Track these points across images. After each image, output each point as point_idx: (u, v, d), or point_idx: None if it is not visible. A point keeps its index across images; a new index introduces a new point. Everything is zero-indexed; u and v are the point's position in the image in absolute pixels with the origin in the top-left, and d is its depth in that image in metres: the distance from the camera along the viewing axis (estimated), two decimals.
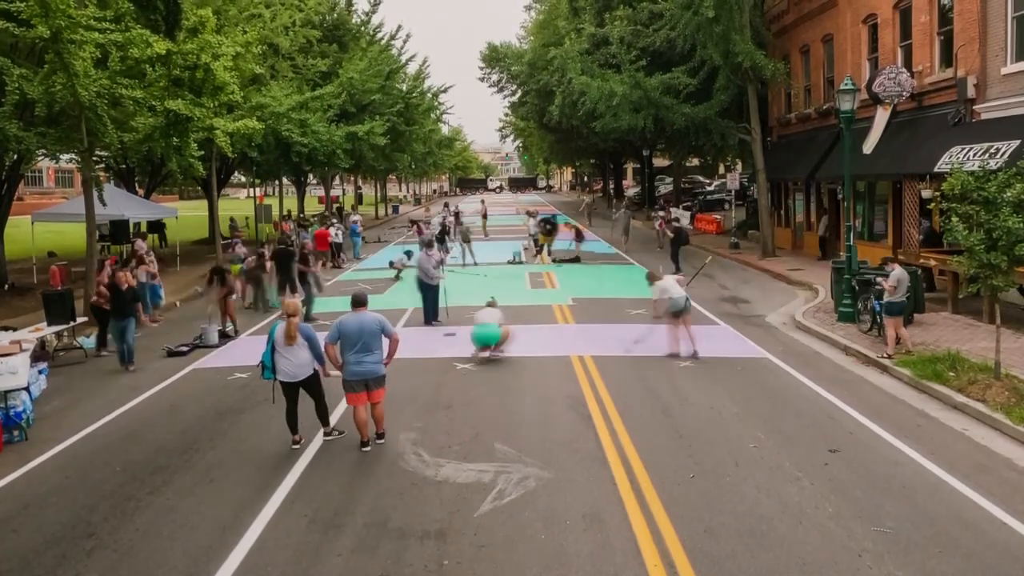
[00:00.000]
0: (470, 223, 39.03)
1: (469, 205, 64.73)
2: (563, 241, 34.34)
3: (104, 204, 22.73)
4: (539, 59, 60.50)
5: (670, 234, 30.81)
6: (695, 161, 75.63)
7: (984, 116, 20.52)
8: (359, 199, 66.96)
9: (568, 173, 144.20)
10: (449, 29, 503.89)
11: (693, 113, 34.05)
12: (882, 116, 23.78)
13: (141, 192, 40.91)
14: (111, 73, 19.76)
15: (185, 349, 17.94)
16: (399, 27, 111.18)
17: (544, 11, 72.72)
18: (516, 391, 13.87)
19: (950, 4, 22.32)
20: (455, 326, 19.17)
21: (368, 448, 11.02)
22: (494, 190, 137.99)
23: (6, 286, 26.25)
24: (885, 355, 15.03)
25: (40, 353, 16.22)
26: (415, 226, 38.69)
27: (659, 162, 76.38)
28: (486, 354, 16.12)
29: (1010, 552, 7.86)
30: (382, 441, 11.26)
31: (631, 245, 37.24)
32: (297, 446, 11.25)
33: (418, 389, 14.08)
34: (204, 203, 44.52)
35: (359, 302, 11.26)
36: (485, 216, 46.99)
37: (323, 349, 11.08)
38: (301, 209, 51.74)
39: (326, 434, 11.58)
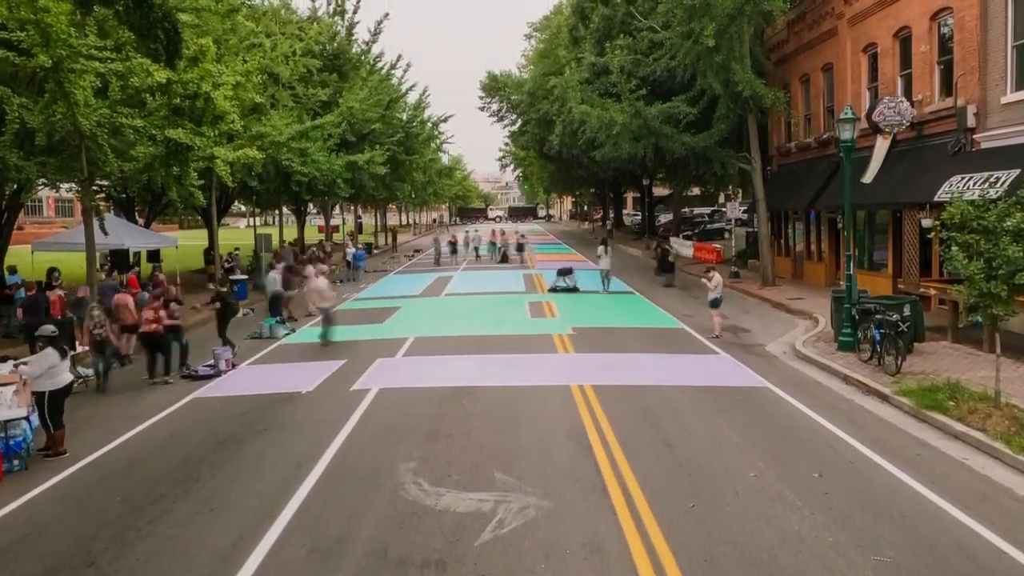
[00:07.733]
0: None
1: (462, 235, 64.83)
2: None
3: (105, 233, 22.77)
4: (539, 88, 60.98)
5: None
6: (695, 190, 75.95)
7: (984, 145, 20.61)
8: (359, 228, 66.94)
9: (568, 202, 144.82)
10: (449, 58, 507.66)
11: (693, 142, 34.18)
12: (882, 145, 23.88)
13: (141, 221, 40.95)
14: (111, 102, 19.87)
15: (209, 371, 18.52)
16: (399, 56, 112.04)
17: (544, 40, 73.45)
18: (516, 420, 13.82)
19: (950, 33, 22.50)
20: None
21: None
22: (494, 219, 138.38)
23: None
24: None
25: None
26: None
27: (659, 191, 76.66)
28: None
29: None
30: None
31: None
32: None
33: (418, 418, 14.05)
34: (204, 232, 44.56)
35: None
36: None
37: None
38: (301, 238, 51.75)
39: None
